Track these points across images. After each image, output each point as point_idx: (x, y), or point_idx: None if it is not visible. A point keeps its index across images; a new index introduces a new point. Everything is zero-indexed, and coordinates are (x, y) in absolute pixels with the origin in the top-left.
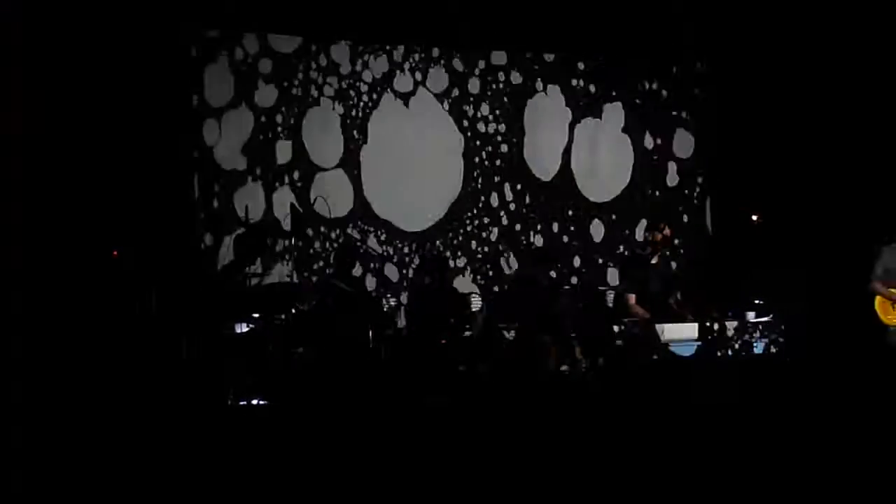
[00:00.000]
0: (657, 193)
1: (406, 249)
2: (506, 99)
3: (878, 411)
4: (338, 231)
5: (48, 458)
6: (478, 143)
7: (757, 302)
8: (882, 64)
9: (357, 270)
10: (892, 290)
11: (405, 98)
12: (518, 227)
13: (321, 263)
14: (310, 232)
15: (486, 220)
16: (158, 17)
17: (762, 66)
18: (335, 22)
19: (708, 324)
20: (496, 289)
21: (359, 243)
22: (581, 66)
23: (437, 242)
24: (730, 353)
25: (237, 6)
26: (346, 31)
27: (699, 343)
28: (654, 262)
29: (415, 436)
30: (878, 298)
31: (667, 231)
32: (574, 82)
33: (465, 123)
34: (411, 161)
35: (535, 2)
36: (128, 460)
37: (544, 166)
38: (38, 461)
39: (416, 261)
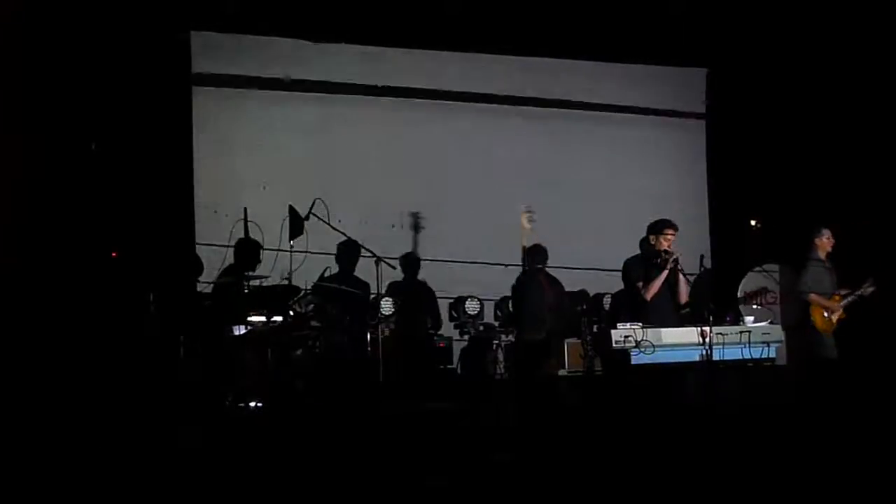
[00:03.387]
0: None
1: None
2: None
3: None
4: None
5: (47, 459)
6: None
7: (755, 307)
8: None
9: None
10: (827, 301)
11: None
12: None
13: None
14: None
15: None
16: (159, 18)
17: (764, 70)
18: (335, 22)
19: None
20: None
21: None
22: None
23: None
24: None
25: (237, 6)
26: (346, 32)
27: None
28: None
29: (415, 436)
30: (814, 308)
31: (671, 236)
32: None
33: None
34: None
35: (536, 3)
36: (126, 461)
37: None
38: (37, 461)
39: None
